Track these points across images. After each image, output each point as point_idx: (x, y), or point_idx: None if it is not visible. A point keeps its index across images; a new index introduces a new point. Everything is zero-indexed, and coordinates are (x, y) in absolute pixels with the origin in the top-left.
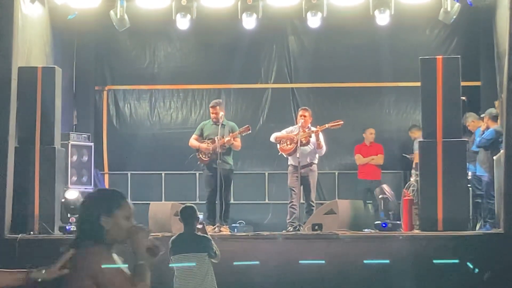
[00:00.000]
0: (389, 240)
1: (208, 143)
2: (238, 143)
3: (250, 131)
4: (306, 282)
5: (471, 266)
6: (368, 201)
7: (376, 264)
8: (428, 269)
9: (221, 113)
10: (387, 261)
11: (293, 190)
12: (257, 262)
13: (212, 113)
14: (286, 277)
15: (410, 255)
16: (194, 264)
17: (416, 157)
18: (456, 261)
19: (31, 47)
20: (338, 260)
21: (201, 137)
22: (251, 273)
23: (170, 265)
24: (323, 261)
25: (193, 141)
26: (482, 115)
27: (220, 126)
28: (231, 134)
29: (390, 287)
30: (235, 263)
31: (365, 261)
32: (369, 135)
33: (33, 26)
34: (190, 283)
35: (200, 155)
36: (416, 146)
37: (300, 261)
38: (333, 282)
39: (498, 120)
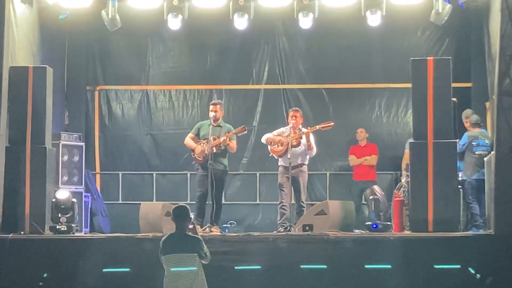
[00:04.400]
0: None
1: (203, 144)
2: (233, 144)
3: (246, 131)
4: (298, 283)
5: (473, 272)
6: (363, 203)
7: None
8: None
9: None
10: (389, 266)
11: (283, 190)
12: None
13: (212, 111)
14: (277, 279)
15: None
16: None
17: (405, 156)
18: (458, 266)
19: (18, 47)
20: (329, 261)
21: (198, 136)
22: (242, 274)
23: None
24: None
25: (188, 140)
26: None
27: (217, 127)
28: (226, 134)
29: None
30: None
31: (366, 266)
32: (359, 134)
33: (21, 26)
34: (180, 284)
35: (195, 155)
36: (407, 145)
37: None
38: (326, 282)
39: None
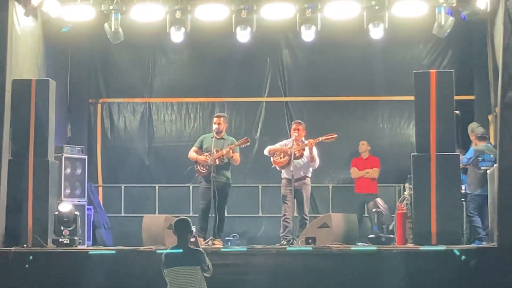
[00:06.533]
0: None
1: (206, 155)
2: (237, 156)
3: (249, 143)
4: None
5: (457, 253)
6: (365, 215)
7: (370, 276)
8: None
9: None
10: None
11: (286, 203)
12: None
13: (215, 123)
14: None
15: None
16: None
17: None
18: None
19: (23, 59)
20: (331, 273)
21: (201, 149)
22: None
23: None
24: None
25: (192, 153)
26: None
27: (220, 139)
28: (229, 146)
29: None
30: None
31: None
32: (361, 146)
33: (25, 39)
34: None
35: (198, 167)
36: None
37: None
38: None
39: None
